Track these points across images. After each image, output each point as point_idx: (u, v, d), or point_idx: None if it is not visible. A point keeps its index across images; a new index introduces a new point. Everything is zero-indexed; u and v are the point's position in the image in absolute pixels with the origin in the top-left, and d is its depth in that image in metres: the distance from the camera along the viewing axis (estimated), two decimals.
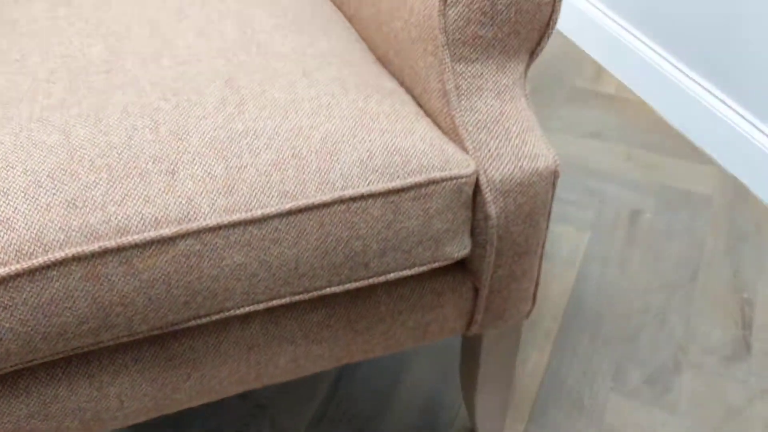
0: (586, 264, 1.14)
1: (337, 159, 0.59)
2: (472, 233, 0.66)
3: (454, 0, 0.59)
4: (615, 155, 1.34)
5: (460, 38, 0.61)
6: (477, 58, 0.62)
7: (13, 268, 0.52)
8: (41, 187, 0.54)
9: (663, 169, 1.31)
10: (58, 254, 0.52)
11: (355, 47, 0.76)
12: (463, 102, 0.63)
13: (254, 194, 0.57)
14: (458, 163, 0.62)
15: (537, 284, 0.73)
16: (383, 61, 0.75)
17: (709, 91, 1.31)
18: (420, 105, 0.69)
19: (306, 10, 0.81)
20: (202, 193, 0.56)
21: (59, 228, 0.53)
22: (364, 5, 0.77)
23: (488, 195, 0.62)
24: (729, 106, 1.28)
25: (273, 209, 0.57)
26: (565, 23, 1.69)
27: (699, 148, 1.36)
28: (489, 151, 0.63)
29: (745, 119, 1.25)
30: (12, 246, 0.52)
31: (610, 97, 1.50)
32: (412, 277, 0.68)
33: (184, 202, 0.55)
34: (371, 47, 0.78)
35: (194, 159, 0.57)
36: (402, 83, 0.72)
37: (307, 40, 0.73)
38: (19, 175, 0.55)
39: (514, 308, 0.72)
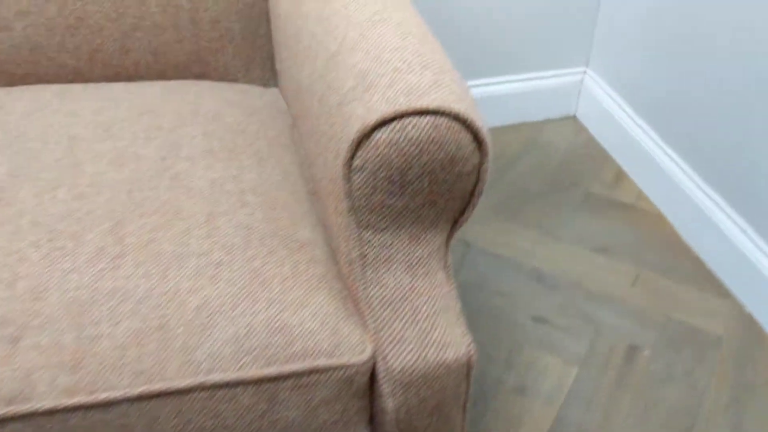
0: (568, 405, 1.03)
1: (209, 334, 0.52)
2: (372, 421, 0.58)
3: (360, 165, 0.52)
4: (621, 276, 1.23)
5: (366, 205, 0.54)
6: (386, 227, 0.55)
7: None
8: None
9: (672, 298, 1.20)
10: None
11: (290, 179, 0.69)
12: (368, 273, 0.55)
13: (103, 372, 0.50)
14: (351, 348, 0.54)
15: None
16: (317, 196, 0.69)
17: (734, 221, 1.20)
18: (337, 261, 0.61)
19: (251, 129, 0.75)
20: (43, 367, 0.49)
21: None
22: (304, 137, 0.70)
23: (385, 386, 0.54)
24: (753, 241, 1.16)
25: (121, 393, 0.50)
26: (591, 120, 1.60)
27: (716, 278, 1.23)
28: (392, 333, 0.55)
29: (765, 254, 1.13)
30: None
31: (628, 207, 1.39)
32: None
33: (21, 376, 0.49)
34: (310, 178, 0.72)
35: (45, 324, 0.51)
36: (326, 228, 0.65)
37: (234, 170, 0.67)
38: None
39: None
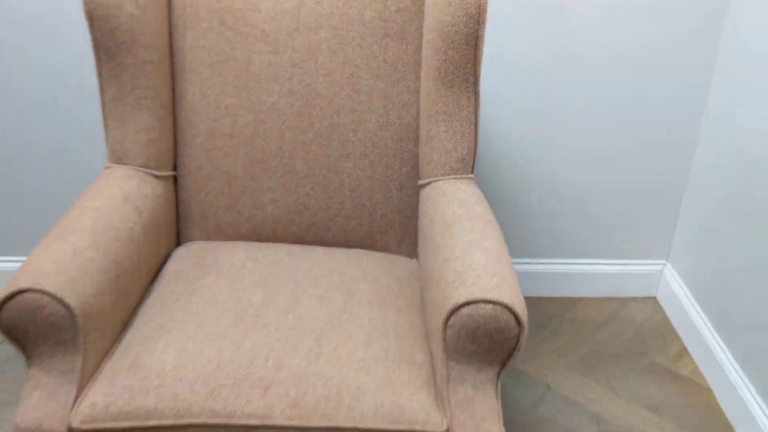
0: None
1: (363, 402, 0.98)
2: None
3: (451, 325, 0.98)
4: (662, 430, 1.56)
5: (453, 347, 0.99)
6: (463, 361, 0.99)
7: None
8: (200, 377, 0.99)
9: None
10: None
11: (415, 322, 1.16)
12: (450, 385, 0.99)
13: (308, 413, 0.97)
14: (435, 424, 0.97)
15: None
16: (429, 337, 1.14)
17: (762, 410, 1.51)
18: (434, 375, 1.06)
19: (395, 289, 1.23)
20: (279, 404, 0.97)
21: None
22: (426, 290, 1.17)
23: None
24: None
25: (315, 423, 0.96)
26: (667, 304, 1.95)
27: None
28: (459, 421, 0.98)
29: None
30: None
31: (682, 378, 1.72)
32: None
33: (264, 407, 0.97)
34: (426, 326, 1.17)
35: (283, 381, 0.99)
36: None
37: (383, 314, 1.15)
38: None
39: None
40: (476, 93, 1.25)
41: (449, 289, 1.01)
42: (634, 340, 1.85)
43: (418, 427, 0.97)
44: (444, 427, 0.98)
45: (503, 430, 0.98)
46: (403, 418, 0.98)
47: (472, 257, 1.04)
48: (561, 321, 1.92)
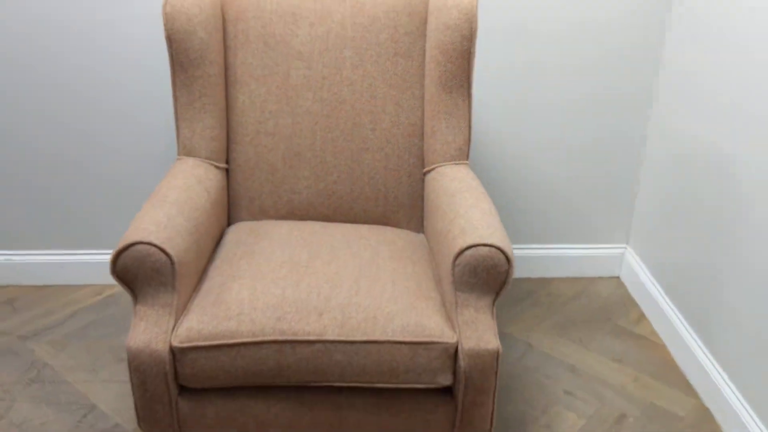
0: None
1: (394, 322, 1.30)
2: (454, 374, 1.32)
3: (458, 264, 1.31)
4: (626, 376, 1.89)
5: (459, 280, 1.32)
6: (467, 290, 1.32)
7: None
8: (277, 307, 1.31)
9: (657, 392, 1.84)
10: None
11: (426, 272, 1.49)
12: (457, 309, 1.32)
13: (352, 331, 1.29)
14: (449, 337, 1.30)
15: (492, 412, 1.35)
16: (438, 280, 1.47)
17: (705, 354, 1.85)
18: (444, 303, 1.39)
19: (408, 250, 1.56)
20: (330, 325, 1.29)
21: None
22: (435, 254, 1.50)
23: (461, 355, 1.29)
24: (714, 365, 1.81)
25: (359, 338, 1.28)
26: (629, 282, 2.30)
27: (690, 384, 1.87)
28: (465, 335, 1.30)
29: (723, 379, 1.77)
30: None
31: (641, 337, 2.06)
32: (421, 393, 1.34)
33: (319, 328, 1.29)
34: (436, 272, 1.50)
35: (333, 309, 1.31)
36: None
37: (402, 265, 1.48)
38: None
39: (479, 425, 1.35)
40: (470, 96, 1.60)
41: (456, 238, 1.35)
42: (601, 310, 2.19)
43: (435, 339, 1.30)
44: (455, 339, 1.31)
45: (499, 341, 1.31)
46: (424, 333, 1.30)
47: (472, 215, 1.38)
48: (538, 296, 2.26)
